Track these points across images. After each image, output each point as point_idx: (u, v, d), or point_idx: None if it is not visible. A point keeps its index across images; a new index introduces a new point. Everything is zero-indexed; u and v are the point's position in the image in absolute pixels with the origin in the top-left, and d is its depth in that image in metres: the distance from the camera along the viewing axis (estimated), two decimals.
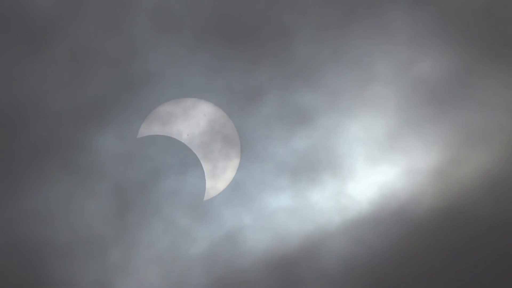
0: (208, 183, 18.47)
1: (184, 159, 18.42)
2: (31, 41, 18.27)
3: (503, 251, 17.58)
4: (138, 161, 18.29)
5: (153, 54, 18.42)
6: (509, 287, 17.50)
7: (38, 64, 18.24)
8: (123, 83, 18.33)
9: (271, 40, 18.45)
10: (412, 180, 18.19)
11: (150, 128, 18.21)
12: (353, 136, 18.40)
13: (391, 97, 18.42)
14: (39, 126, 18.14)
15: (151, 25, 18.46)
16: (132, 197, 18.20)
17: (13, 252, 17.68)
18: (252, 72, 18.46)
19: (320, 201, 18.28)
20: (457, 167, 18.15)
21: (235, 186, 18.48)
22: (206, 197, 18.42)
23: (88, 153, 18.19)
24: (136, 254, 18.04)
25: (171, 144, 18.48)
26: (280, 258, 18.01)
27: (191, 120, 18.36)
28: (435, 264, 17.69)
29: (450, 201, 18.00)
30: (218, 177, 18.51)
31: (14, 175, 17.94)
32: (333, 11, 18.46)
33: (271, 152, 18.44)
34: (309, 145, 18.42)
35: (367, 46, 18.43)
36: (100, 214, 18.05)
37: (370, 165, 18.33)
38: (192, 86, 18.52)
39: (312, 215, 18.23)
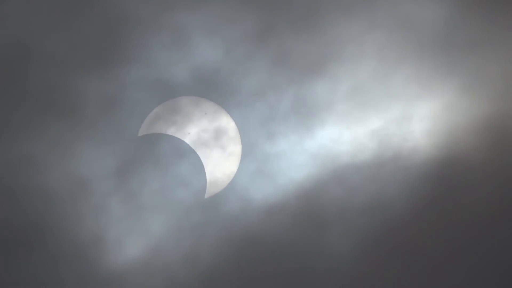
0: (201, 129, 18.49)
1: (175, 106, 18.43)
2: None
3: (498, 198, 17.63)
4: (131, 107, 18.33)
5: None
6: (505, 231, 17.52)
7: (25, 8, 18.18)
8: (111, 28, 18.28)
9: None
10: (407, 127, 18.21)
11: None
12: (347, 83, 18.37)
13: (387, 44, 18.38)
14: (31, 72, 18.12)
15: None
16: (127, 144, 18.26)
17: (8, 199, 17.74)
18: (247, 17, 18.39)
19: (313, 148, 18.31)
20: (452, 113, 18.17)
21: (227, 133, 18.51)
22: (199, 144, 18.48)
23: (81, 99, 18.15)
24: (133, 201, 18.10)
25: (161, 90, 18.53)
26: (275, 203, 18.07)
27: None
28: (431, 211, 17.75)
29: (445, 148, 18.04)
30: (211, 124, 18.54)
31: (6, 121, 17.94)
32: None
33: (264, 99, 18.45)
34: (303, 92, 18.41)
35: None
36: (95, 161, 18.09)
37: (363, 112, 18.34)
38: (180, 31, 18.41)
39: (306, 161, 18.27)
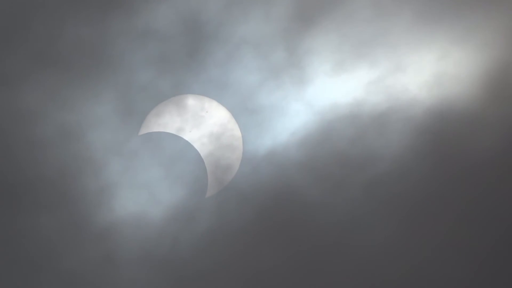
0: (191, 81, 18.30)
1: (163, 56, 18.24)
2: None
3: (495, 148, 17.61)
4: (122, 57, 18.09)
5: None
6: (502, 181, 17.53)
7: None
8: None
9: None
10: (402, 78, 18.11)
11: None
12: (341, 33, 18.19)
13: None
14: (18, 22, 17.80)
15: None
16: (118, 93, 18.05)
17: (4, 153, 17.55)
18: None
19: (308, 99, 18.17)
20: (447, 64, 18.08)
21: (220, 84, 18.35)
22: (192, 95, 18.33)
23: (71, 48, 17.90)
24: (127, 152, 17.93)
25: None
26: (269, 155, 17.96)
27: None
28: (427, 162, 17.72)
29: (441, 99, 17.98)
30: (203, 78, 18.34)
31: None
32: None
33: (258, 49, 18.25)
34: (297, 42, 18.21)
35: None
36: (86, 111, 17.87)
37: (358, 64, 18.18)
38: None
39: (301, 113, 18.13)
